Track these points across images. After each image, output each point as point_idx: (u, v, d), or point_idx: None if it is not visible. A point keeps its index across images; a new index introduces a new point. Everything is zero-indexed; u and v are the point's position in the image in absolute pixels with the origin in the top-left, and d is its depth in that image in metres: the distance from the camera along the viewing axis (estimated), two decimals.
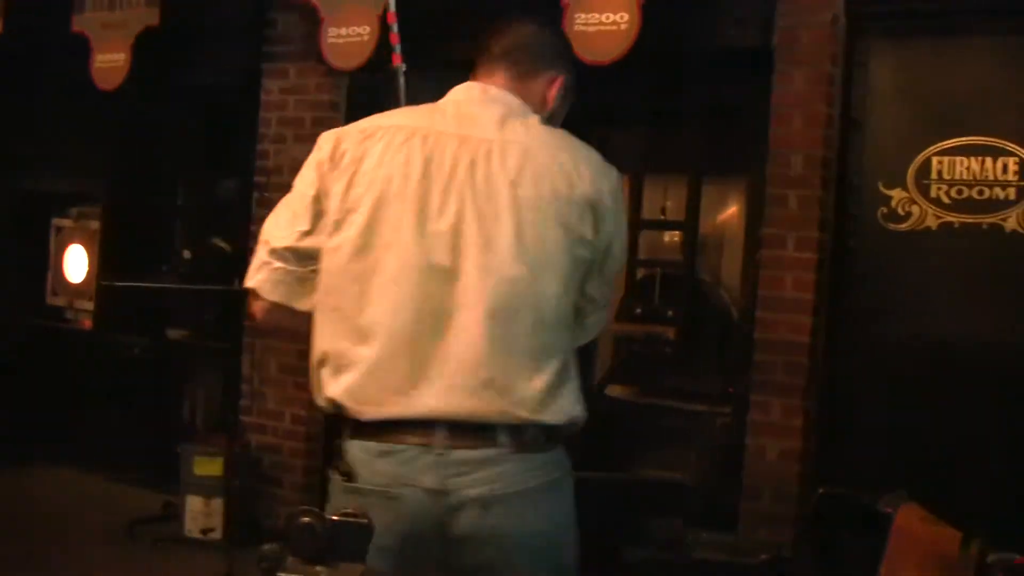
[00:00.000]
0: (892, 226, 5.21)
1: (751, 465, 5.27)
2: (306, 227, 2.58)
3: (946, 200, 5.10)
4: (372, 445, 2.49)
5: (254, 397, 6.87)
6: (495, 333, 2.46)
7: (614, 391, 5.98)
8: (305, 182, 2.62)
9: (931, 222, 5.13)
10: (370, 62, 6.29)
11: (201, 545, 6.48)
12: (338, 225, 2.53)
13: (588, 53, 5.41)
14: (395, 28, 3.44)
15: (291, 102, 6.79)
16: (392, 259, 2.48)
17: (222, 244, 7.46)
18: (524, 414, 2.48)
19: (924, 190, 5.15)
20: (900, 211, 5.19)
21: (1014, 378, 4.94)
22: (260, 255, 2.62)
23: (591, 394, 5.86)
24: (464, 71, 2.81)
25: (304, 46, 6.71)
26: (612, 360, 5.98)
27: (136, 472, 7.57)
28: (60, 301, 8.41)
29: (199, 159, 7.81)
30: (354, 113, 6.75)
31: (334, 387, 2.53)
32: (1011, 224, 4.97)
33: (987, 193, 5.03)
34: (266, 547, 1.98)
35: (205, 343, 7.53)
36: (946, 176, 5.10)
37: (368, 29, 6.28)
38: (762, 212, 5.41)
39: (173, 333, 7.58)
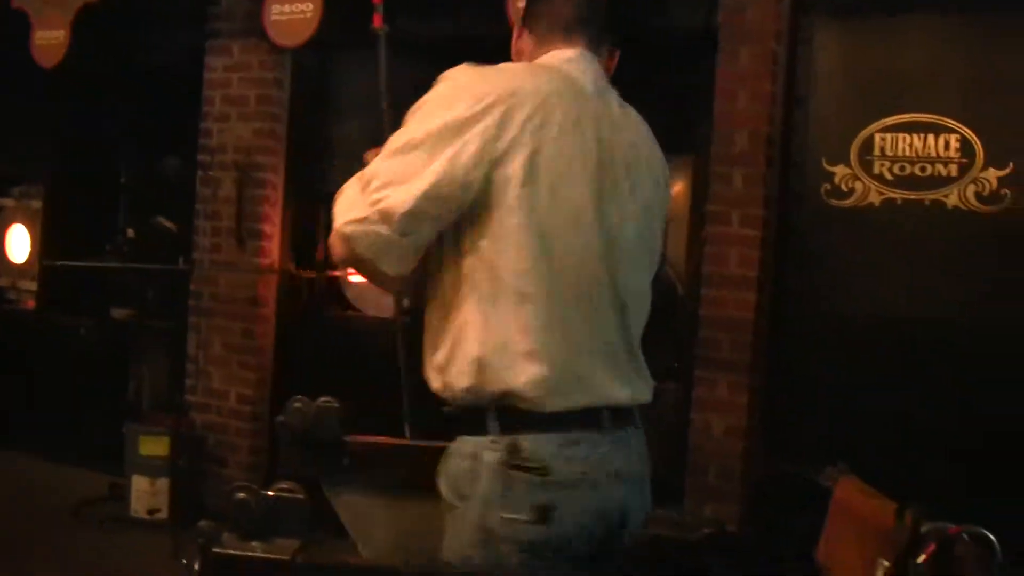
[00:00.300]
0: (835, 202, 5.24)
1: (696, 441, 5.30)
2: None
3: (889, 177, 5.14)
4: (560, 436, 2.43)
5: (199, 376, 6.84)
6: (630, 321, 2.56)
7: None
8: None
9: (874, 198, 5.16)
10: (314, 39, 6.26)
11: (147, 525, 6.44)
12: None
13: None
14: None
15: (235, 80, 6.74)
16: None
17: (166, 223, 7.39)
18: (646, 397, 2.60)
19: (867, 167, 5.18)
20: (843, 187, 5.22)
21: (955, 352, 4.99)
22: None
23: None
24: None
25: (248, 23, 6.65)
26: None
27: (81, 453, 7.51)
28: (3, 281, 8.35)
29: (142, 138, 7.73)
30: (299, 90, 6.74)
31: (512, 379, 2.41)
32: (953, 201, 5.01)
33: (929, 170, 5.06)
34: (202, 523, 1.97)
35: (150, 322, 7.47)
36: (889, 153, 5.14)
37: (311, 6, 6.24)
38: (707, 189, 5.42)
39: (117, 313, 7.52)
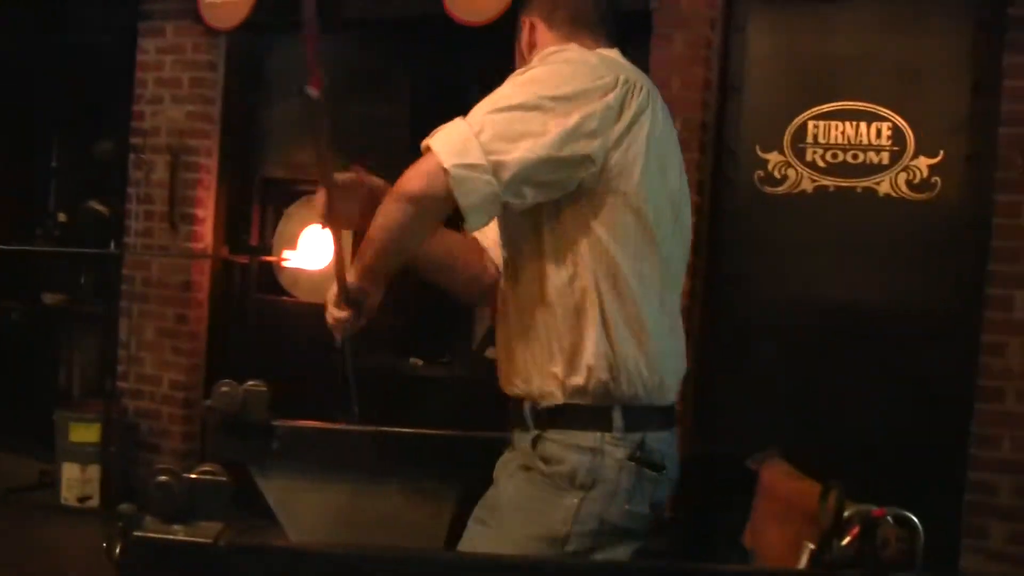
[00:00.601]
0: (768, 189, 5.27)
1: None
2: None
3: (822, 164, 5.17)
4: (669, 433, 2.59)
5: (131, 362, 6.78)
6: None
7: (493, 353, 5.97)
8: None
9: (807, 185, 5.19)
10: (248, 21, 6.21)
11: (78, 513, 6.38)
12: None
13: (465, 14, 5.39)
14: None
15: (168, 62, 6.68)
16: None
17: (98, 207, 7.29)
18: None
19: (800, 154, 5.21)
20: (776, 174, 5.25)
21: (885, 338, 5.05)
22: None
23: (473, 357, 5.87)
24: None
25: (181, 5, 6.59)
26: (493, 322, 5.97)
27: (10, 440, 7.41)
28: None
29: (74, 120, 7.63)
30: (233, 73, 6.68)
31: (640, 376, 2.50)
32: (884, 188, 5.05)
33: (861, 157, 5.10)
34: (123, 506, 1.95)
35: (81, 307, 7.38)
36: (822, 140, 5.17)
37: None
38: None
39: (48, 298, 7.42)
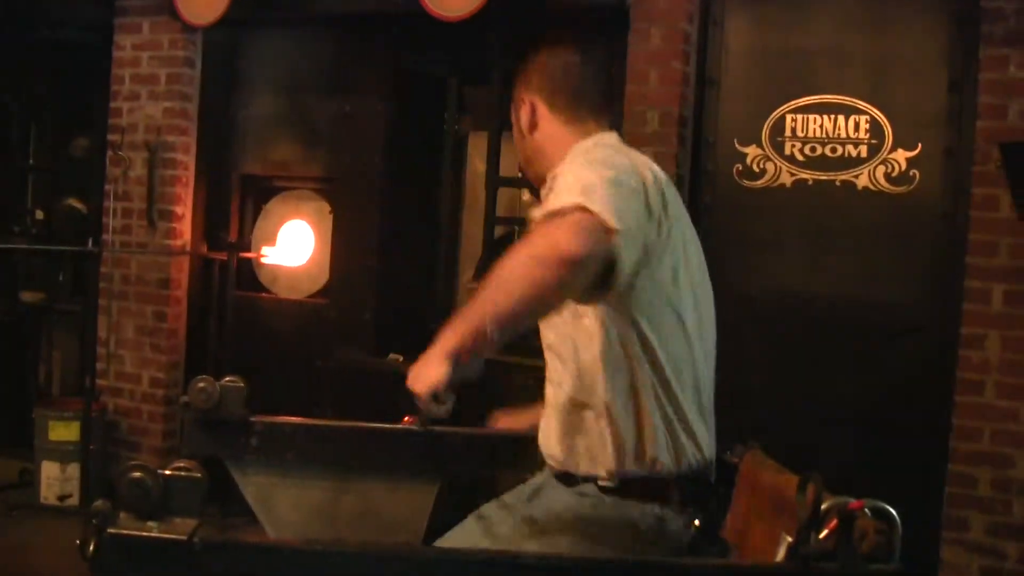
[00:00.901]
0: (747, 183, 5.28)
1: None
2: None
3: (800, 157, 5.18)
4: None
5: (111, 360, 6.74)
6: None
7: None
8: None
9: (785, 179, 5.20)
10: (225, 17, 6.18)
11: (58, 512, 6.34)
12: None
13: (441, 8, 5.38)
14: None
15: (145, 59, 6.63)
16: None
17: (76, 204, 7.26)
18: None
19: (779, 147, 5.21)
20: (755, 168, 5.25)
21: (864, 331, 5.06)
22: None
23: None
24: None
25: (158, 1, 6.54)
26: None
27: None
28: None
29: (51, 117, 7.59)
30: (210, 70, 6.65)
31: (693, 457, 2.66)
32: (863, 181, 5.06)
33: (840, 151, 5.11)
34: (97, 503, 1.93)
35: (60, 306, 7.35)
36: (800, 134, 5.18)
37: None
38: None
39: (27, 296, 7.38)
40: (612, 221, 2.26)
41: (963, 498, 4.75)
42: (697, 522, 2.66)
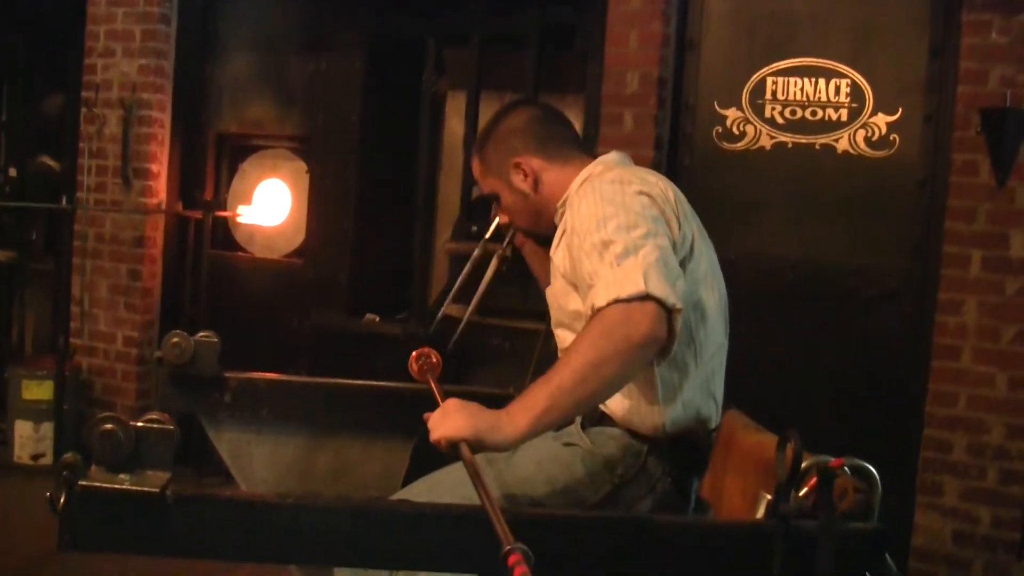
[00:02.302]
0: (727, 145, 5.26)
1: None
2: None
3: (780, 120, 5.16)
4: (697, 482, 2.83)
5: (84, 319, 6.70)
6: None
7: (451, 310, 5.95)
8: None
9: (765, 142, 5.18)
10: None
11: (31, 471, 6.31)
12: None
13: None
14: None
15: (120, 14, 6.55)
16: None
17: (49, 162, 7.20)
18: None
19: (759, 110, 5.20)
20: (735, 131, 5.23)
21: (842, 294, 5.06)
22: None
23: (430, 313, 5.84)
24: None
25: None
26: (448, 279, 5.95)
27: None
28: None
29: (24, 74, 7.51)
30: (186, 27, 6.58)
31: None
32: (843, 145, 5.05)
33: (820, 114, 5.09)
34: (67, 455, 1.90)
35: (33, 264, 7.29)
36: (780, 97, 5.16)
37: None
38: (597, 131, 5.40)
39: None
40: (673, 300, 2.36)
41: (938, 463, 4.77)
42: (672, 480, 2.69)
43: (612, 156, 2.90)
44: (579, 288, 2.61)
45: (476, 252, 3.22)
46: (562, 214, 2.81)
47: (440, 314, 5.81)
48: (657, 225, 2.52)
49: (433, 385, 2.66)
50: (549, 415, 2.30)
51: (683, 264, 2.62)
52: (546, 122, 2.92)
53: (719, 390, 2.80)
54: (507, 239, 3.12)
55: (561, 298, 2.79)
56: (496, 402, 2.40)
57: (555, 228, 2.88)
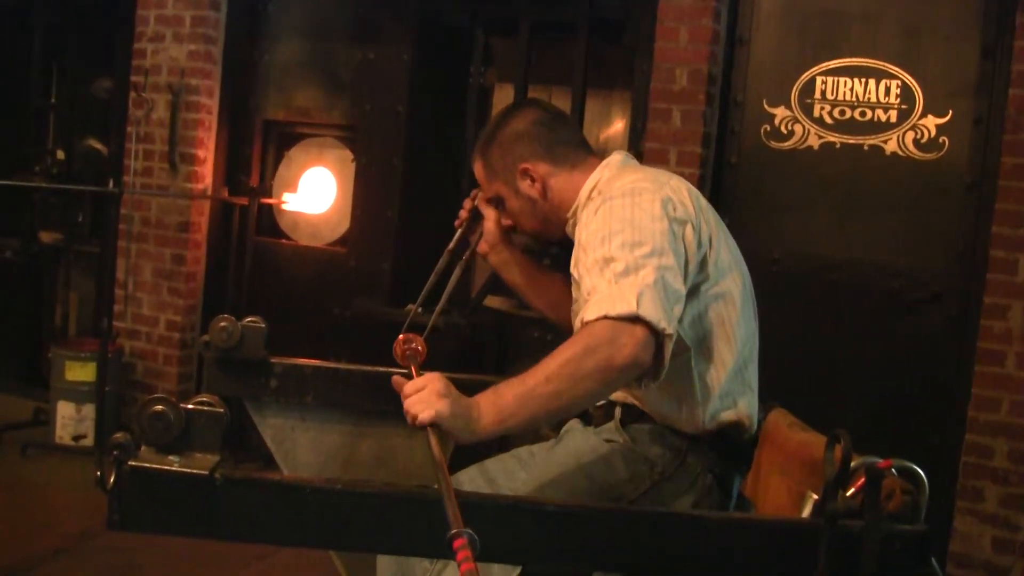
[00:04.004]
0: (774, 144, 5.24)
1: None
2: None
3: (829, 120, 5.13)
4: (739, 478, 2.83)
5: (128, 302, 6.74)
6: None
7: (493, 302, 5.97)
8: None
9: (813, 141, 5.16)
10: None
11: (72, 452, 6.36)
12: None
13: None
14: None
15: (170, 0, 6.59)
16: None
17: (97, 145, 7.25)
18: None
19: (807, 109, 5.17)
20: (783, 129, 5.21)
21: (887, 296, 5.03)
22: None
23: (472, 305, 5.85)
24: None
25: None
26: (491, 273, 5.96)
27: (5, 378, 7.40)
28: None
29: (74, 57, 7.55)
30: (235, 12, 6.61)
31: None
32: (891, 146, 5.02)
33: (869, 115, 5.06)
34: (118, 435, 1.92)
35: (78, 246, 7.34)
36: (829, 96, 5.13)
37: None
38: (645, 126, 5.39)
39: (45, 236, 7.37)
40: (664, 324, 2.33)
41: (979, 468, 4.73)
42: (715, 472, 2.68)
43: (616, 158, 2.86)
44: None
45: (440, 263, 3.17)
46: (574, 224, 2.81)
47: (473, 305, 5.86)
48: (665, 242, 2.48)
49: (414, 372, 2.67)
50: (515, 419, 2.26)
51: (705, 259, 2.62)
52: (552, 125, 2.88)
53: (754, 379, 2.77)
54: (467, 253, 3.17)
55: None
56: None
57: (562, 232, 2.90)
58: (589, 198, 2.74)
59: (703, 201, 2.72)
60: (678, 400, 2.66)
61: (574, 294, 2.86)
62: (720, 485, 2.70)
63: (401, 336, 2.86)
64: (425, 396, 2.21)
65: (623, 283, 2.35)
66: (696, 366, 2.64)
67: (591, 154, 2.90)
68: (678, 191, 2.63)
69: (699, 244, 2.60)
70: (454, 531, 1.62)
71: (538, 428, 2.52)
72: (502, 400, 2.26)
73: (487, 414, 2.24)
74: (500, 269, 3.21)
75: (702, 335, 2.64)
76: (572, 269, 2.72)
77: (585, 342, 2.31)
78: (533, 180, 2.83)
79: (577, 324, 2.40)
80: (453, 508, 1.73)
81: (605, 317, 2.31)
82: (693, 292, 2.59)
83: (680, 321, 2.46)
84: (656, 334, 2.32)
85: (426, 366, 2.77)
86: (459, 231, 3.17)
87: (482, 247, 3.15)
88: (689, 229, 2.58)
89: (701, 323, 2.64)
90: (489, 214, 3.09)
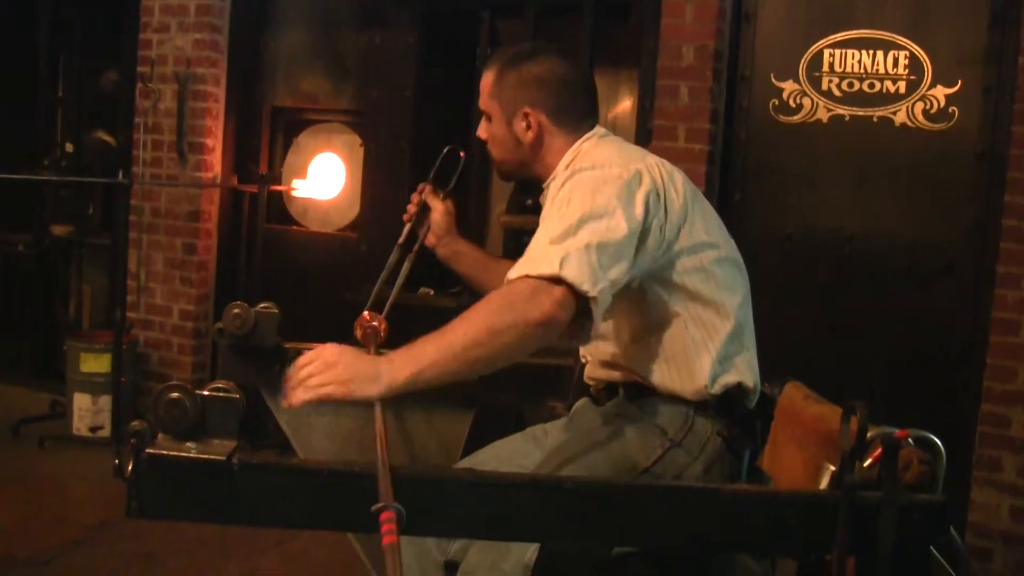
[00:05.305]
0: (783, 118, 5.23)
1: None
2: None
3: (837, 93, 5.12)
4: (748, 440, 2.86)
5: (140, 293, 6.76)
6: None
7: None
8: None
9: (822, 115, 5.15)
10: None
11: (90, 443, 6.38)
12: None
13: None
14: None
15: None
16: None
17: (105, 137, 7.26)
18: None
19: (816, 83, 5.16)
20: (791, 103, 5.20)
21: (899, 267, 5.02)
22: None
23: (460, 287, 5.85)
24: None
25: None
26: (502, 251, 5.95)
27: (21, 371, 7.42)
28: None
29: (80, 49, 7.55)
30: (240, 1, 6.59)
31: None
32: (900, 118, 5.00)
33: (878, 87, 5.05)
34: (134, 423, 1.92)
35: (89, 239, 7.35)
36: (838, 69, 5.12)
37: None
38: (653, 104, 5.38)
39: (56, 229, 7.38)
40: (588, 287, 2.37)
41: (996, 438, 4.73)
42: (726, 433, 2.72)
43: (597, 132, 2.87)
44: None
45: (392, 258, 3.19)
46: (547, 198, 2.84)
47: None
48: (617, 209, 2.50)
49: (372, 353, 2.67)
50: (432, 370, 2.29)
51: (679, 232, 2.63)
52: (574, 90, 2.87)
53: (751, 343, 2.80)
54: (415, 246, 3.21)
55: None
56: (556, 372, 2.41)
57: (529, 178, 2.95)
58: (565, 169, 2.76)
59: (678, 176, 2.73)
60: (678, 369, 2.69)
61: None
62: (730, 449, 2.73)
63: (365, 313, 2.87)
64: (314, 372, 2.29)
65: (554, 246, 2.39)
66: (690, 334, 2.67)
67: (590, 124, 2.89)
68: (651, 167, 2.66)
69: (667, 216, 2.61)
70: (382, 504, 1.65)
71: (457, 380, 2.44)
72: (419, 351, 2.31)
73: (402, 365, 2.29)
74: (449, 260, 3.27)
75: (690, 305, 2.67)
76: None
77: (503, 298, 2.37)
78: (529, 126, 2.83)
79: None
80: (385, 481, 1.78)
81: (527, 276, 2.36)
82: (672, 265, 2.63)
83: (666, 286, 2.60)
84: (577, 296, 2.35)
85: (390, 345, 2.78)
86: (407, 225, 3.21)
87: (430, 239, 3.21)
88: (655, 200, 2.60)
89: (687, 292, 2.66)
90: (436, 206, 3.18)
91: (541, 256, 2.38)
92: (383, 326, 2.95)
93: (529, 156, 2.87)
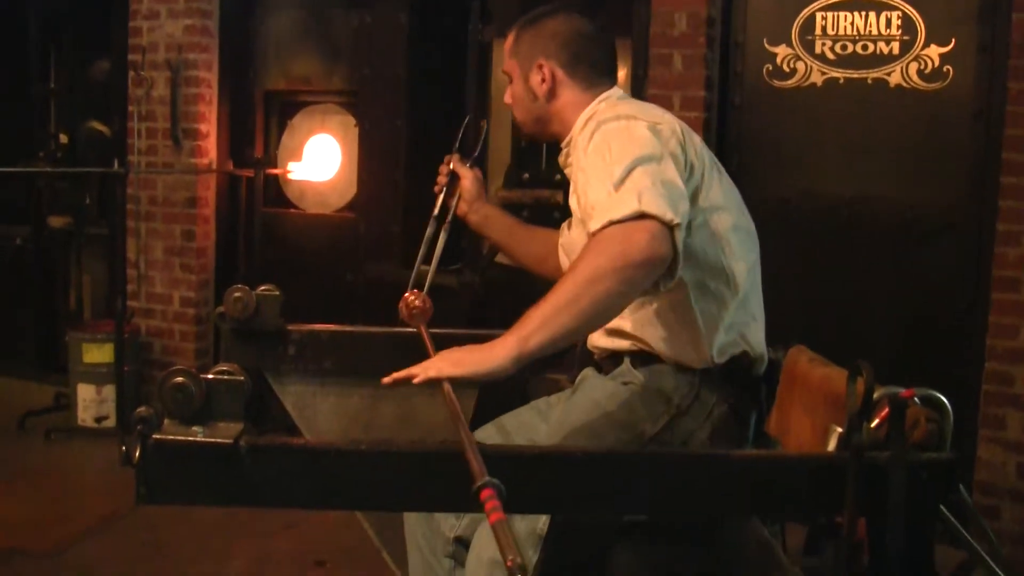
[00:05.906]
0: (777, 83, 5.21)
1: None
2: None
3: (831, 56, 5.10)
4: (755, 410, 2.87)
5: (141, 281, 6.76)
6: None
7: (504, 258, 5.97)
8: None
9: (816, 78, 5.13)
10: None
11: (95, 433, 6.39)
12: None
13: None
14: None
15: None
16: None
17: (99, 126, 7.23)
18: None
19: (809, 46, 5.14)
20: (785, 68, 5.18)
21: (899, 229, 5.02)
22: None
23: (483, 263, 5.85)
24: None
25: None
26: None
27: (24, 364, 7.41)
28: None
29: (71, 40, 7.52)
30: None
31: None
32: (895, 79, 4.99)
33: (871, 48, 5.03)
34: (140, 409, 1.92)
35: (87, 229, 7.33)
36: (830, 32, 5.10)
37: None
38: (646, 72, 5.36)
39: (54, 221, 7.36)
40: (671, 215, 2.34)
41: (1000, 396, 4.73)
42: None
43: (615, 92, 2.86)
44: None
45: (428, 231, 3.15)
46: (567, 155, 2.87)
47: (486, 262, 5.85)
48: (663, 150, 2.51)
49: (423, 331, 2.66)
50: (541, 334, 2.26)
51: (695, 194, 2.62)
52: (589, 42, 2.87)
53: (759, 310, 2.80)
54: (448, 216, 3.18)
55: (580, 245, 2.78)
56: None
57: (548, 137, 2.95)
58: (584, 126, 2.76)
59: (696, 138, 2.74)
60: (684, 337, 2.69)
61: (573, 233, 2.92)
62: (736, 416, 2.73)
63: (408, 294, 2.87)
64: (428, 363, 2.29)
65: (621, 190, 2.37)
66: (696, 302, 2.66)
67: (609, 83, 2.89)
68: (671, 124, 2.65)
69: (690, 174, 2.60)
70: (480, 482, 1.62)
71: (574, 341, 2.53)
72: (524, 322, 2.29)
73: (509, 340, 2.26)
74: (481, 227, 3.25)
75: (699, 271, 2.66)
76: (571, 201, 2.75)
77: (597, 247, 2.33)
78: (543, 79, 2.84)
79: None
80: (476, 460, 1.73)
81: (611, 223, 2.33)
82: (688, 229, 2.58)
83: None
84: (665, 226, 2.33)
85: (433, 324, 2.78)
86: (440, 196, 3.19)
87: (461, 208, 3.18)
88: (682, 154, 2.59)
89: (697, 259, 2.64)
90: (465, 173, 3.17)
91: (615, 201, 2.35)
92: (428, 304, 2.94)
93: (544, 110, 2.87)
